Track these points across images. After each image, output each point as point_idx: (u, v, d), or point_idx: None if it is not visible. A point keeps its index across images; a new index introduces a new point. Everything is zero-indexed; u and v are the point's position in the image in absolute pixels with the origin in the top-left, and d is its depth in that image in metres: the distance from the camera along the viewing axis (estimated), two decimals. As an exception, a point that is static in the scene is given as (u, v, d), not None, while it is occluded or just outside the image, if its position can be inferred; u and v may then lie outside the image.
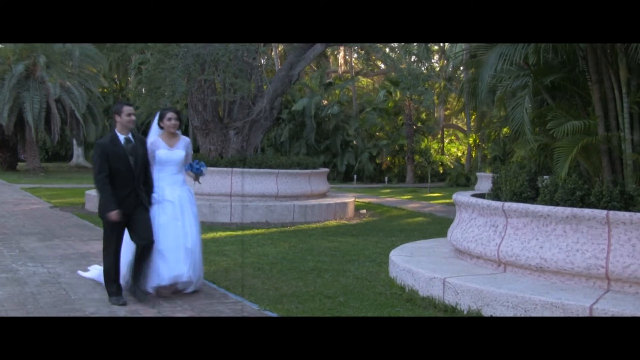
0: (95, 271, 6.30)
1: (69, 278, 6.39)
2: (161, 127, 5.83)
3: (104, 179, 5.30)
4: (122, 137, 5.45)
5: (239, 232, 10.10)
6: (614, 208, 5.19)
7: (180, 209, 5.66)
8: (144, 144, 5.64)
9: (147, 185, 5.62)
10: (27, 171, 27.96)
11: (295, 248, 8.78)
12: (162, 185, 5.70)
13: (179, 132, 5.94)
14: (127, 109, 5.46)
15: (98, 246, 8.48)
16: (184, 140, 5.92)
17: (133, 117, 5.48)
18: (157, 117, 5.87)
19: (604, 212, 5.04)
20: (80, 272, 6.55)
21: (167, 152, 5.74)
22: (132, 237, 5.46)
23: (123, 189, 5.38)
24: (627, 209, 5.19)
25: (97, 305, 5.33)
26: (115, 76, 38.70)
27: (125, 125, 5.47)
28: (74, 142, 34.74)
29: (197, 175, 5.91)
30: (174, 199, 5.66)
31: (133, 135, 5.53)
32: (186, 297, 5.67)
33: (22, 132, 28.24)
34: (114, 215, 5.28)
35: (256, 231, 10.68)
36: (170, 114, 5.78)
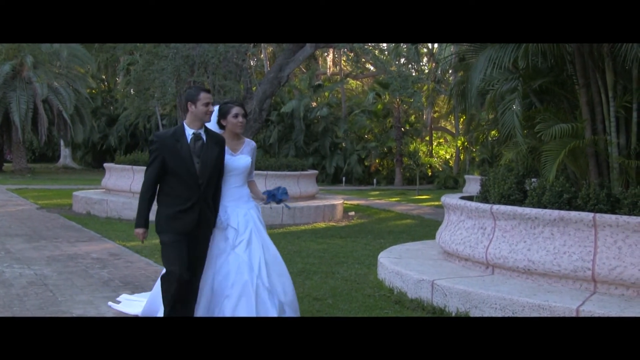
0: (134, 305, 5.15)
1: (55, 280, 6.34)
2: (222, 126, 4.49)
3: (150, 183, 4.13)
4: (189, 132, 4.15)
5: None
6: (600, 211, 5.24)
7: (248, 234, 4.36)
8: (220, 144, 4.25)
9: (215, 201, 4.30)
10: (14, 172, 27.75)
11: (283, 250, 8.77)
12: (225, 203, 4.39)
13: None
14: (204, 97, 4.13)
15: (85, 247, 8.45)
16: (249, 144, 4.59)
17: (211, 109, 4.19)
18: (215, 113, 4.46)
19: (591, 214, 5.08)
20: (112, 305, 5.31)
21: (229, 158, 4.40)
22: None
23: (182, 202, 4.07)
24: (613, 212, 5.23)
25: (84, 307, 5.29)
26: (104, 77, 38.52)
27: (200, 118, 4.15)
28: (62, 143, 34.52)
29: (277, 202, 4.79)
30: (238, 223, 4.37)
31: (206, 132, 4.21)
32: (174, 299, 5.64)
33: (9, 133, 28.01)
34: (138, 233, 4.16)
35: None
36: (236, 109, 4.46)
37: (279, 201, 4.74)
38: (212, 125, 4.41)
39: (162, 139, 4.13)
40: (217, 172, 4.23)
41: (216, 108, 4.46)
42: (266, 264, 4.35)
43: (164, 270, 4.16)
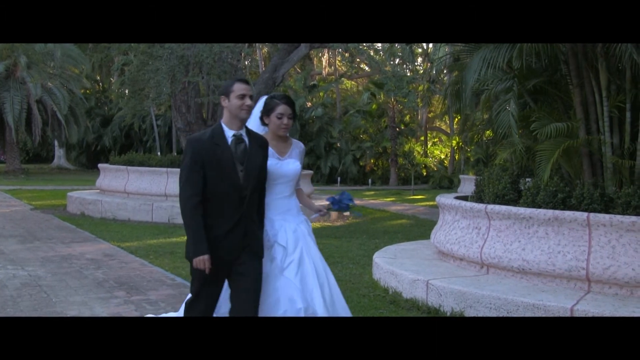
0: None
1: (50, 281, 6.32)
2: (265, 124, 3.80)
3: (194, 201, 3.29)
4: (229, 134, 3.41)
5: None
6: (594, 210, 5.26)
7: (298, 254, 3.66)
8: (263, 147, 3.54)
9: (260, 216, 3.58)
10: (7, 173, 27.63)
11: (279, 250, 8.76)
12: (271, 217, 3.67)
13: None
14: (239, 88, 3.40)
15: (80, 248, 8.42)
16: (297, 146, 3.89)
17: (248, 102, 3.41)
18: (259, 109, 3.84)
19: (585, 214, 5.10)
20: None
21: (276, 163, 3.69)
22: (230, 299, 3.45)
23: (224, 220, 3.35)
24: (607, 211, 5.25)
25: (78, 308, 5.28)
26: (98, 77, 38.40)
27: (236, 114, 3.40)
28: (56, 143, 34.39)
29: (340, 210, 4.05)
30: (287, 240, 3.66)
31: (248, 132, 3.49)
32: (169, 300, 5.63)
33: (2, 133, 27.89)
34: (202, 262, 3.26)
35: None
36: (280, 108, 3.72)
37: (345, 208, 3.98)
38: (254, 121, 3.79)
39: (200, 143, 3.36)
40: (262, 182, 3.53)
41: (262, 100, 3.80)
42: (320, 289, 3.62)
43: (189, 296, 3.53)
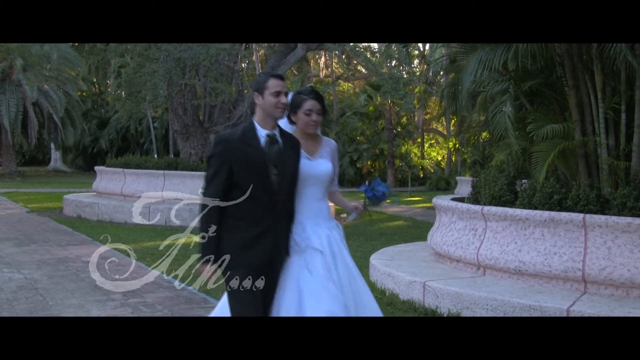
0: None
1: (46, 283, 6.31)
2: (292, 122, 3.54)
3: (213, 205, 3.11)
4: (262, 133, 3.20)
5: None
6: (590, 211, 5.27)
7: (332, 261, 3.37)
8: (296, 148, 3.33)
9: (291, 222, 3.36)
10: (3, 175, 27.57)
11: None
12: (302, 220, 3.40)
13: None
14: (274, 84, 3.19)
15: (76, 251, 8.40)
16: (329, 144, 3.61)
17: (284, 100, 3.21)
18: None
19: (581, 215, 5.11)
20: None
21: (306, 163, 3.42)
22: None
23: (254, 225, 3.14)
24: (602, 213, 5.27)
25: (74, 311, 5.27)
26: (95, 79, 38.38)
27: (270, 112, 3.19)
28: (52, 146, 34.35)
29: (375, 202, 3.72)
30: (322, 245, 3.36)
31: (281, 132, 3.29)
32: (166, 302, 5.63)
33: (-2, 136, 27.88)
34: (205, 270, 3.12)
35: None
36: (309, 104, 3.45)
37: (381, 197, 3.65)
38: (281, 119, 3.45)
39: (229, 143, 3.13)
40: (294, 187, 3.31)
41: (289, 97, 3.44)
42: (354, 301, 3.35)
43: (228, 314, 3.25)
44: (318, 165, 3.47)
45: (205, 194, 3.13)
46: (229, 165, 3.09)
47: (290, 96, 3.46)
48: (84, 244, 9.14)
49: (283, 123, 3.46)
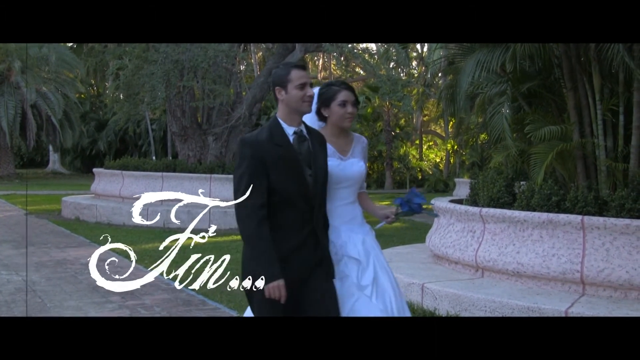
0: None
1: (44, 286, 6.30)
2: (322, 118, 3.22)
3: (261, 214, 2.75)
4: (290, 131, 2.89)
5: (218, 239, 10.03)
6: (588, 213, 5.28)
7: (372, 270, 3.11)
8: (324, 145, 3.02)
9: (326, 227, 3.06)
10: (2, 178, 27.54)
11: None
12: (336, 226, 3.12)
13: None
14: (298, 76, 2.86)
15: (75, 253, 8.39)
16: (359, 141, 3.32)
17: (310, 92, 2.89)
18: (315, 98, 3.12)
19: (579, 217, 5.12)
20: None
21: (338, 164, 3.14)
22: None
23: (291, 234, 2.83)
24: (601, 214, 5.27)
25: (73, 313, 5.26)
26: (93, 81, 38.39)
27: (296, 107, 2.88)
28: (50, 148, 34.33)
29: (409, 213, 3.31)
30: (359, 252, 3.12)
31: (307, 129, 2.98)
32: (164, 304, 5.62)
33: (-4, 138, 27.86)
34: (276, 289, 2.71)
35: (235, 237, 10.63)
36: (343, 95, 3.16)
37: (417, 210, 3.26)
38: (309, 114, 3.10)
39: (258, 145, 2.80)
40: (326, 186, 3.00)
41: (315, 91, 3.16)
42: (397, 309, 3.10)
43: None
44: (351, 165, 3.19)
45: (247, 203, 2.73)
46: (263, 169, 2.76)
47: (316, 90, 3.19)
48: (82, 246, 9.13)
49: (312, 119, 3.18)
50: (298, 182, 2.82)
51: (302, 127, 2.94)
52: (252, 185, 2.74)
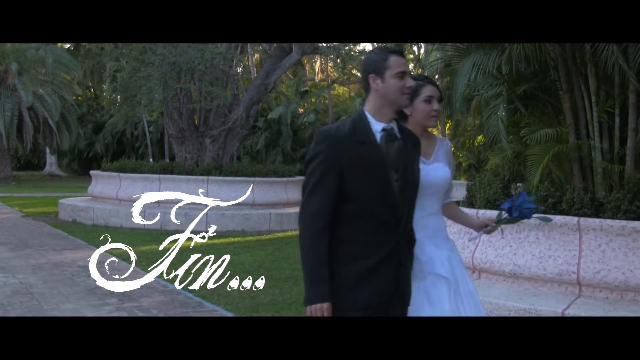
0: None
1: (41, 288, 6.29)
2: (402, 116, 2.81)
3: (321, 223, 2.34)
4: (378, 127, 2.46)
5: (216, 241, 10.04)
6: (584, 215, 5.29)
7: (461, 291, 2.81)
8: (418, 146, 2.60)
9: (412, 242, 2.60)
10: (-1, 180, 27.49)
11: (271, 256, 8.76)
12: (419, 239, 2.66)
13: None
14: (398, 63, 2.47)
15: (72, 255, 8.39)
16: (443, 144, 2.99)
17: (410, 83, 2.48)
18: None
19: (575, 218, 5.13)
20: None
21: (422, 168, 2.65)
22: None
23: (372, 251, 2.38)
24: (597, 216, 5.29)
25: (70, 316, 5.25)
26: (90, 84, 38.33)
27: (394, 99, 2.47)
28: (47, 150, 34.26)
29: (515, 220, 2.94)
30: (446, 270, 2.79)
31: (399, 126, 2.54)
32: (162, 306, 5.62)
33: (-7, 141, 27.80)
34: (319, 311, 2.33)
35: (232, 239, 10.64)
36: (428, 90, 2.84)
37: (527, 214, 2.89)
38: None
39: (336, 140, 2.39)
40: (416, 195, 2.55)
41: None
42: None
43: None
44: (435, 170, 2.82)
45: (307, 208, 2.37)
46: (338, 169, 2.35)
47: None
48: (79, 248, 9.12)
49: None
50: (381, 188, 2.38)
51: (394, 124, 2.49)
52: (319, 187, 2.35)
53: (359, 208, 2.38)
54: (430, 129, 2.97)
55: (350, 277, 2.35)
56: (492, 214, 5.69)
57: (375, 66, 2.47)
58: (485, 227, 3.01)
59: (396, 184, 2.41)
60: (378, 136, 2.43)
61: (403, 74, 2.45)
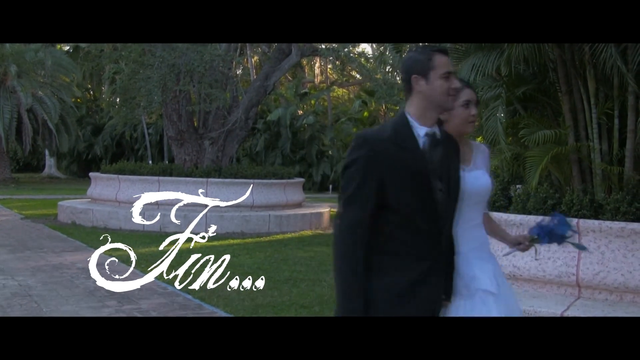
0: None
1: (40, 290, 6.29)
2: (438, 121, 2.57)
3: (359, 232, 2.20)
4: (421, 132, 2.31)
5: (215, 243, 10.04)
6: (584, 216, 5.30)
7: (509, 308, 2.64)
8: (458, 151, 2.47)
9: (453, 254, 2.51)
10: (-2, 182, 27.48)
11: (270, 258, 8.76)
12: (464, 252, 2.58)
13: None
14: (443, 62, 2.32)
15: (71, 257, 8.38)
16: (481, 150, 2.76)
17: (457, 84, 2.36)
18: None
19: (575, 220, 5.13)
20: None
21: (462, 176, 2.51)
22: None
23: (414, 263, 2.26)
24: (596, 217, 5.29)
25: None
26: (89, 86, 38.33)
27: (439, 102, 2.32)
28: (46, 152, 34.24)
29: (551, 243, 2.82)
30: (493, 286, 2.59)
31: (441, 132, 2.39)
32: (161, 308, 5.61)
33: (-8, 143, 27.77)
34: None
35: (232, 241, 10.64)
36: (467, 92, 2.61)
37: (558, 239, 2.77)
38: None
39: (377, 144, 2.23)
40: (457, 205, 2.44)
41: None
42: None
43: None
44: (476, 178, 2.61)
45: (345, 217, 2.22)
46: (378, 176, 2.19)
47: None
48: (78, 250, 9.12)
49: None
50: (424, 198, 2.24)
51: (436, 129, 2.34)
52: (358, 195, 2.19)
53: (399, 218, 2.24)
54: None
55: (385, 290, 2.23)
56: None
57: (419, 66, 2.31)
58: (519, 245, 2.86)
59: (440, 193, 2.28)
60: (421, 141, 2.29)
61: (449, 75, 2.30)
